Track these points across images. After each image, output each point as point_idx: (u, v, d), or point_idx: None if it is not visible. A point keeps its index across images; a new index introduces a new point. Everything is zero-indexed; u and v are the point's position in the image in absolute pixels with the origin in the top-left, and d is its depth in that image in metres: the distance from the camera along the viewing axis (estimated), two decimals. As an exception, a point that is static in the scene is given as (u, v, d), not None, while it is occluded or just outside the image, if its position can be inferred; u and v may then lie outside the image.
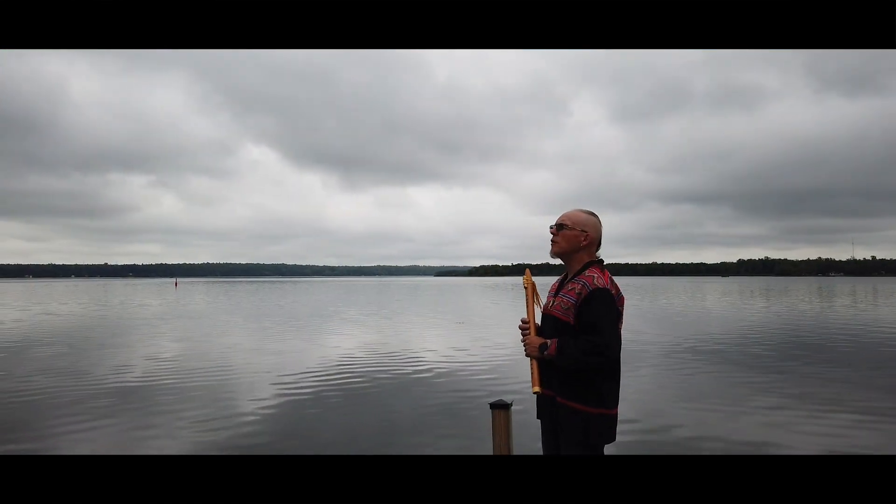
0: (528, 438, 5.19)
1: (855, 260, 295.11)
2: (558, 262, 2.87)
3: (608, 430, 2.61)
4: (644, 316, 22.19)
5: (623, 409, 6.91)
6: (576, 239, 2.74)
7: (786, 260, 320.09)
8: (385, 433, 6.23)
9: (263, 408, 7.35)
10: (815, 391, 8.10)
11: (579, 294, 2.61)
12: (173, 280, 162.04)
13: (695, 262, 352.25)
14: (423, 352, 12.33)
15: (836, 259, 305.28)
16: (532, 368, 2.72)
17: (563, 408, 2.63)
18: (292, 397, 7.96)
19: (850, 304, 29.86)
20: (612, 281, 2.68)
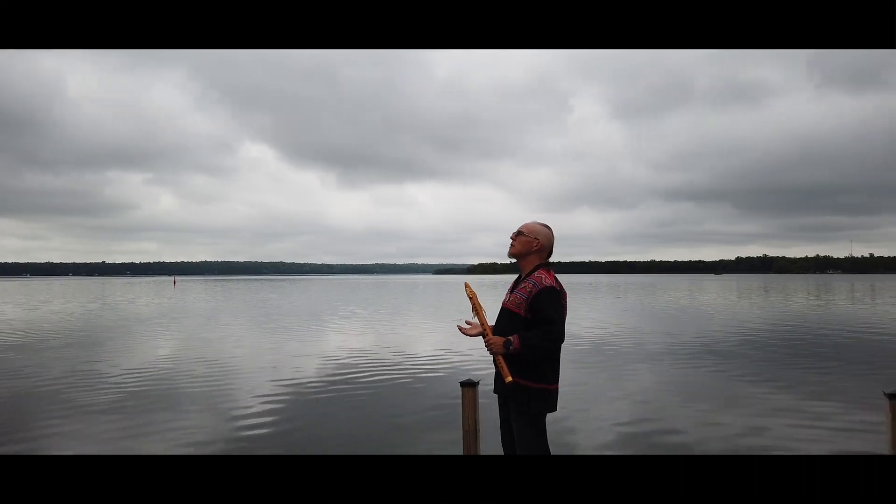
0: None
1: (853, 257, 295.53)
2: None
3: (548, 402, 3.16)
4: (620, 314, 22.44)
5: (624, 409, 7.04)
6: (529, 244, 3.29)
7: (784, 257, 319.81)
8: (388, 428, 6.44)
9: (263, 408, 7.56)
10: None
11: (530, 292, 3.17)
12: (172, 278, 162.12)
13: (693, 259, 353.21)
14: (421, 348, 12.57)
15: (835, 256, 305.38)
16: (500, 363, 3.14)
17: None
18: (293, 397, 8.16)
19: (834, 301, 30.10)
20: (557, 280, 3.24)
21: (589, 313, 22.59)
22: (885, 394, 3.81)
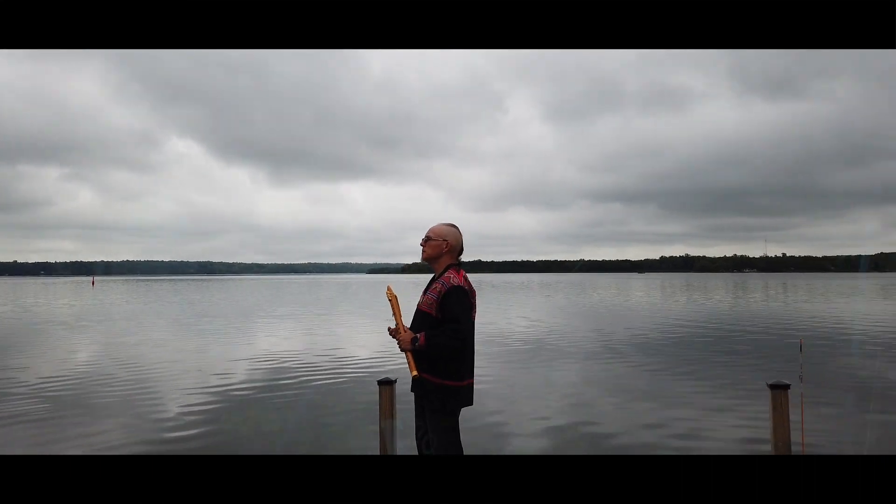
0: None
1: (767, 257, 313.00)
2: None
3: (460, 397, 3.29)
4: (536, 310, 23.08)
5: (556, 406, 7.23)
6: (438, 247, 3.44)
7: (704, 257, 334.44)
8: (308, 427, 6.46)
9: (182, 410, 7.43)
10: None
11: (439, 292, 3.30)
12: (90, 278, 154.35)
13: (620, 259, 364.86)
14: (348, 348, 12.57)
15: (751, 256, 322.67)
16: (408, 358, 3.31)
17: (425, 381, 3.28)
18: (213, 399, 8.05)
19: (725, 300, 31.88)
20: (466, 279, 3.38)
21: (522, 311, 23.10)
22: (767, 385, 4.14)
